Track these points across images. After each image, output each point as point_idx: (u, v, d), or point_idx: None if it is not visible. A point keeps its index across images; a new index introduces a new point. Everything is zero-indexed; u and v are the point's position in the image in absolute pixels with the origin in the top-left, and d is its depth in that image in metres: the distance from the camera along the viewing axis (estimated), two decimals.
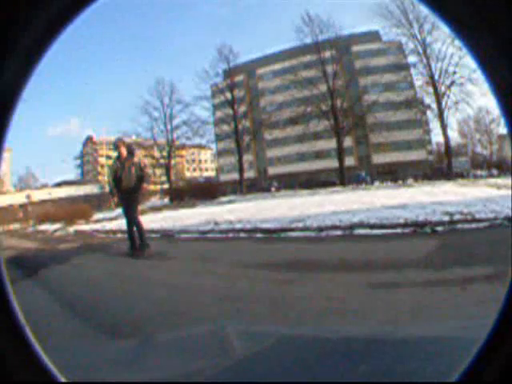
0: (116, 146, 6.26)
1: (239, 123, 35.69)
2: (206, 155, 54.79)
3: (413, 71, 32.48)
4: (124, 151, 6.12)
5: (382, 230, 6.13)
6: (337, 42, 33.24)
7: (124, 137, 42.87)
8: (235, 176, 36.38)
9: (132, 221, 6.05)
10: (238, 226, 8.03)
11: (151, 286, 4.21)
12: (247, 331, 1.35)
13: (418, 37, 30.10)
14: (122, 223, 12.32)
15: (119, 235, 9.80)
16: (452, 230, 5.64)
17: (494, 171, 34.75)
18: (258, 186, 36.92)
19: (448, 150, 29.95)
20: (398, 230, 6.01)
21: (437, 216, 6.35)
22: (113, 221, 14.09)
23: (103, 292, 4.22)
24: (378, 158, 38.30)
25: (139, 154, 6.94)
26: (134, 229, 6.05)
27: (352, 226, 6.49)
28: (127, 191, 6.01)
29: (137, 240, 6.05)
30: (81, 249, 8.10)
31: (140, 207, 6.46)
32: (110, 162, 6.73)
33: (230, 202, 19.55)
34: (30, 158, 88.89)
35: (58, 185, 41.72)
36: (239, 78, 38.41)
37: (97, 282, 4.78)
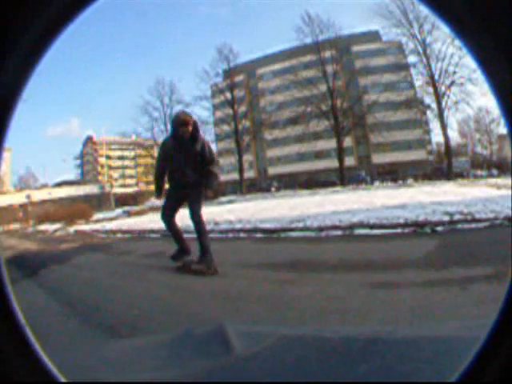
0: (182, 122, 4.19)
1: (239, 123, 35.74)
2: None
3: (413, 71, 32.57)
4: (189, 131, 4.21)
5: (382, 230, 6.13)
6: (337, 41, 33.29)
7: (124, 137, 42.79)
8: (235, 176, 36.41)
9: (169, 224, 4.66)
10: (238, 225, 8.03)
11: (151, 286, 4.21)
12: (247, 331, 1.35)
13: (418, 37, 30.16)
14: (121, 223, 12.34)
15: (119, 235, 9.81)
16: (452, 230, 5.64)
17: (494, 171, 34.77)
18: (258, 186, 36.94)
19: (448, 150, 29.98)
20: (398, 230, 6.01)
21: (437, 216, 6.36)
22: (113, 221, 14.09)
23: (103, 292, 4.22)
24: (378, 158, 38.32)
25: (204, 140, 4.27)
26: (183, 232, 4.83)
27: (352, 226, 6.49)
28: (182, 185, 4.44)
29: (187, 248, 4.79)
30: (81, 249, 8.10)
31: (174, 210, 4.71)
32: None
33: (229, 201, 19.56)
34: (30, 158, 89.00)
35: (58, 185, 41.71)
36: (239, 78, 38.45)
37: (97, 282, 4.78)
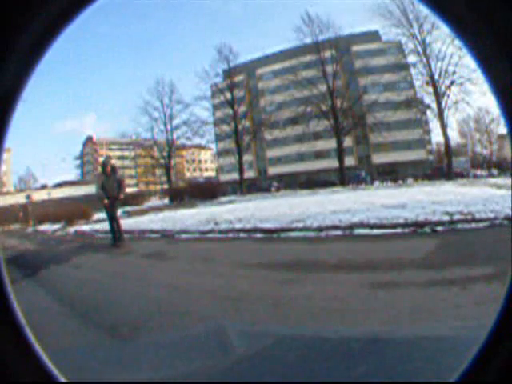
0: (104, 164, 8.22)
1: (239, 123, 35.67)
2: (206, 155, 54.79)
3: (413, 71, 32.48)
4: (109, 170, 8.00)
5: (382, 229, 6.12)
6: (337, 42, 33.24)
7: (124, 137, 42.90)
8: (235, 176, 36.36)
9: (114, 219, 8.06)
10: (238, 225, 8.02)
11: (151, 286, 4.21)
12: (247, 331, 1.35)
13: (418, 37, 30.09)
14: (121, 223, 12.34)
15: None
16: (452, 230, 5.64)
17: (494, 171, 34.74)
18: (258, 186, 36.89)
19: (448, 150, 29.94)
20: (398, 230, 6.01)
21: (437, 216, 6.35)
22: None
23: (103, 292, 4.22)
24: (378, 158, 38.28)
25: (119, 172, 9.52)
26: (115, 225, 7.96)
27: (352, 226, 6.49)
28: (111, 198, 7.88)
29: (117, 233, 7.92)
30: (81, 249, 8.11)
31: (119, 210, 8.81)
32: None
33: (230, 202, 19.55)
34: (30, 157, 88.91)
35: (58, 185, 41.69)
36: (239, 78, 38.38)
37: (97, 282, 4.78)
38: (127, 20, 68.57)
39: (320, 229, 6.69)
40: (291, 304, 3.11)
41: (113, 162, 8.76)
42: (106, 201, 7.82)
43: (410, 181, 28.20)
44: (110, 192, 7.84)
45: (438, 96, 29.24)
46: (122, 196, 8.26)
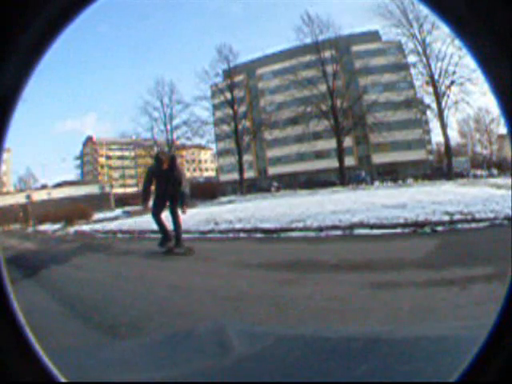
0: (160, 160, 6.57)
1: (239, 123, 35.67)
2: (206, 155, 54.75)
3: (413, 71, 32.50)
4: (166, 165, 6.53)
5: (382, 230, 6.13)
6: (337, 41, 33.27)
7: (124, 137, 42.79)
8: (235, 176, 36.37)
9: (158, 219, 6.55)
10: (238, 225, 8.03)
11: (151, 286, 4.21)
12: (247, 331, 1.35)
13: (418, 36, 30.13)
14: (121, 223, 12.35)
15: (119, 235, 9.81)
16: (452, 230, 5.64)
17: (494, 171, 34.74)
18: (258, 186, 36.88)
19: (448, 150, 29.95)
20: (398, 230, 6.01)
21: (437, 216, 6.35)
22: (113, 221, 14.10)
23: (103, 292, 4.22)
24: (378, 158, 38.26)
25: (180, 168, 7.19)
26: (171, 228, 6.49)
27: (352, 226, 6.49)
28: (165, 196, 6.58)
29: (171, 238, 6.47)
30: (81, 249, 8.10)
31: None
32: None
33: (230, 202, 19.57)
34: (30, 157, 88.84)
35: (58, 185, 41.64)
36: (239, 78, 38.38)
37: (97, 282, 4.78)
38: (127, 20, 68.49)
39: (320, 229, 6.69)
40: (291, 304, 3.11)
41: (173, 155, 7.00)
42: (143, 203, 6.85)
43: (409, 181, 28.21)
44: (162, 189, 6.50)
45: (438, 96, 29.25)
46: (186, 201, 6.64)
